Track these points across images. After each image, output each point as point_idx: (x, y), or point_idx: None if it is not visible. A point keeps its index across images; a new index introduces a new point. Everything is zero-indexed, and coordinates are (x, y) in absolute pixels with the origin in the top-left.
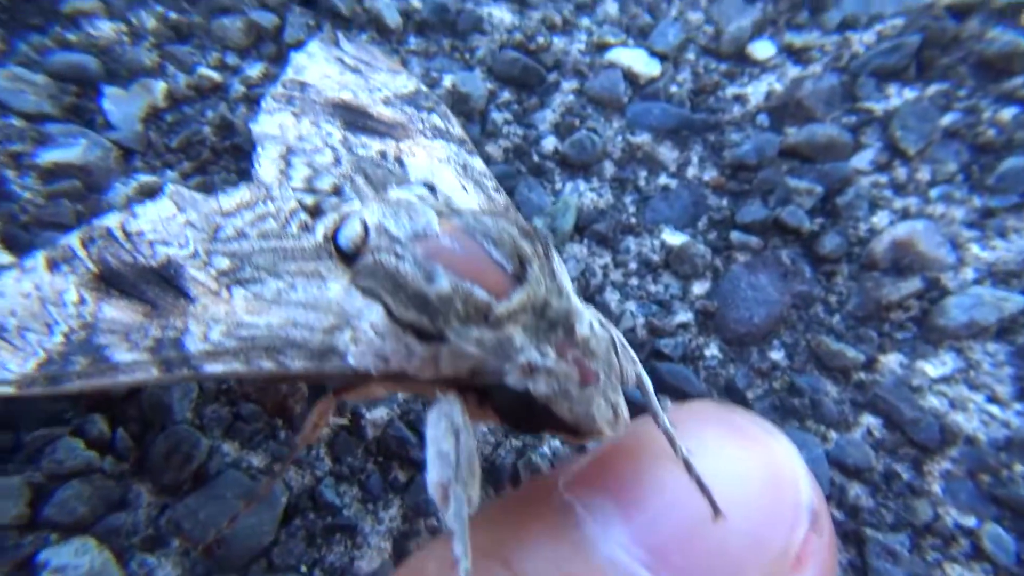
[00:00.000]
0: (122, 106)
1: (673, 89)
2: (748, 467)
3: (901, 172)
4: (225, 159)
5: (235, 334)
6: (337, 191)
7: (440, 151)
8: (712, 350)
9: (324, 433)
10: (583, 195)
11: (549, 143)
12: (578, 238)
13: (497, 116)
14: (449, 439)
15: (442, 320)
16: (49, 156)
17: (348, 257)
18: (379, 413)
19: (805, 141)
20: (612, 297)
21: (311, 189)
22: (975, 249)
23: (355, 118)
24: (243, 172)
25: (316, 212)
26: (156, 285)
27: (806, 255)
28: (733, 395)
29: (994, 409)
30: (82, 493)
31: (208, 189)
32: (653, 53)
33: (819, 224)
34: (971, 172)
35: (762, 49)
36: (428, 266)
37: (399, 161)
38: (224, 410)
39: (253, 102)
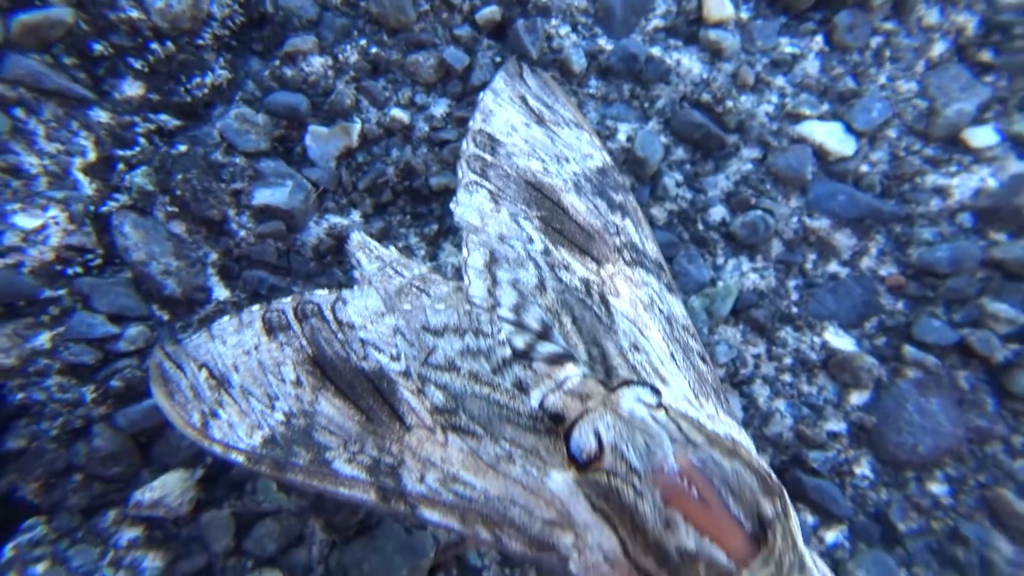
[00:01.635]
0: (322, 145)
1: (864, 169)
2: None
3: None
4: (402, 200)
5: (452, 488)
6: (545, 333)
7: (642, 289)
8: (864, 469)
9: None
10: (745, 275)
11: (717, 212)
12: (732, 321)
13: (668, 180)
14: None
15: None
16: (261, 198)
17: (579, 464)
18: None
19: (1017, 258)
20: (761, 392)
21: (519, 324)
22: None
23: (551, 215)
24: (417, 215)
25: (527, 360)
26: (370, 395)
27: (991, 383)
28: (883, 524)
29: None
30: (273, 532)
31: (387, 232)
32: (850, 129)
33: (1015, 353)
34: None
35: (982, 136)
36: (668, 515)
37: (604, 301)
38: None
39: (436, 145)
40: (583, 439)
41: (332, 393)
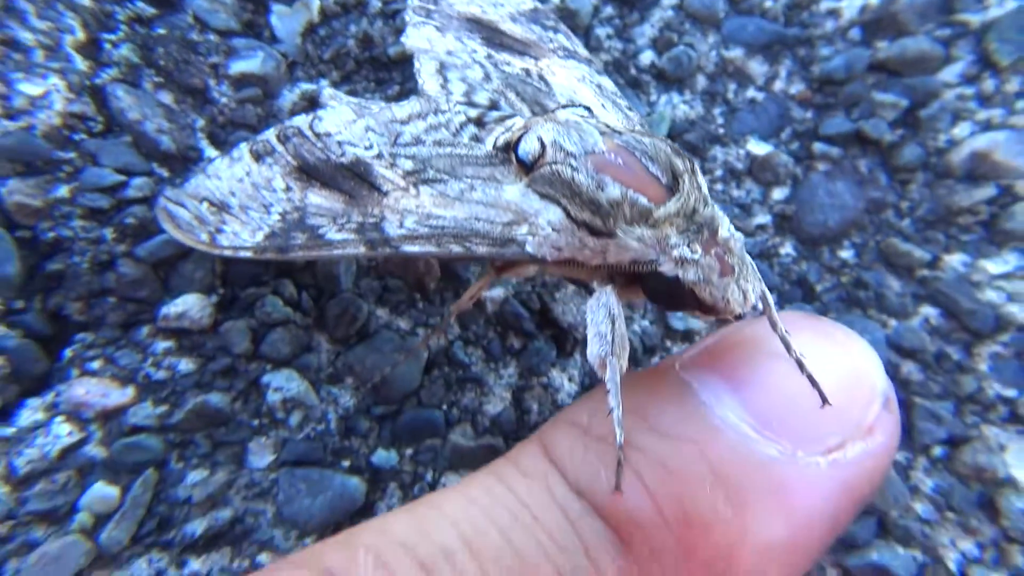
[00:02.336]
0: (286, 22)
1: (768, 4)
2: (838, 361)
3: (989, 84)
4: (366, 69)
5: (427, 223)
6: (494, 105)
7: (575, 71)
8: (787, 249)
9: (451, 302)
10: (676, 107)
11: (646, 57)
12: None
13: (600, 31)
14: (607, 323)
15: (612, 221)
16: (237, 67)
17: (526, 167)
18: (497, 292)
19: (896, 56)
20: None
21: (471, 103)
22: None
23: (491, 35)
24: (381, 81)
25: (480, 123)
26: (350, 179)
27: (883, 165)
28: (804, 287)
29: None
30: (284, 337)
31: (353, 96)
32: None
33: (900, 135)
34: None
35: None
36: (599, 178)
37: (543, 79)
38: (375, 283)
39: (389, 17)
40: (528, 144)
41: (318, 187)
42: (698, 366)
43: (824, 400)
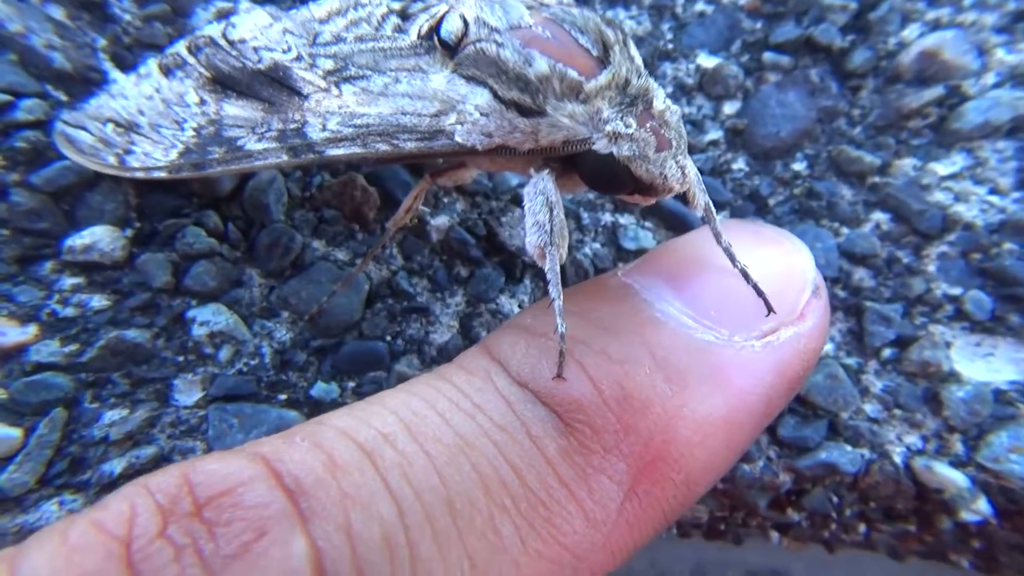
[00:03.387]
0: None
1: None
2: (772, 257)
3: None
4: None
5: (351, 123)
6: None
7: None
8: (739, 164)
9: (398, 235)
10: (623, 23)
11: None
12: None
13: None
14: (544, 211)
15: (541, 97)
16: None
17: (450, 49)
18: (442, 220)
19: None
20: None
21: None
22: (1000, 54)
23: None
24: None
25: (405, 16)
26: (268, 86)
27: (834, 72)
28: (756, 202)
29: (994, 199)
30: (210, 270)
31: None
32: None
33: (850, 41)
34: None
35: None
36: (526, 52)
37: None
38: (310, 215)
39: None
40: (450, 23)
41: (235, 98)
42: (640, 271)
43: (768, 307)
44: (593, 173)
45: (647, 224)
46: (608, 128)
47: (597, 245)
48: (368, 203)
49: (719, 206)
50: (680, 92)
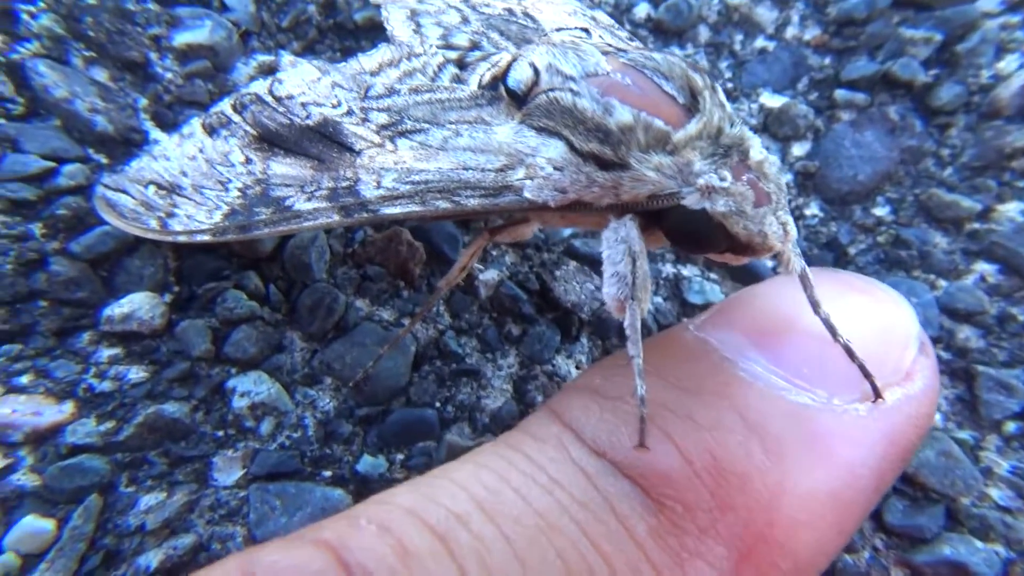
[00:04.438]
0: None
1: None
2: (866, 310)
3: None
4: (330, 38)
5: (408, 180)
6: (476, 46)
7: (564, 6)
8: (813, 209)
9: (445, 293)
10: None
11: (642, 10)
12: None
13: None
14: (627, 261)
15: (624, 149)
16: (182, 38)
17: (518, 99)
18: (490, 275)
19: None
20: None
21: (449, 46)
22: None
23: None
24: (347, 50)
25: (463, 65)
26: (318, 143)
27: (917, 109)
28: (835, 250)
29: None
30: (251, 335)
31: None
32: None
33: (934, 75)
34: None
35: None
36: (605, 101)
37: (528, 16)
38: (353, 272)
39: None
40: (519, 72)
41: (282, 156)
42: (714, 325)
43: (867, 376)
44: (681, 230)
45: (712, 276)
46: (701, 182)
47: (659, 299)
48: (414, 259)
49: None
50: None
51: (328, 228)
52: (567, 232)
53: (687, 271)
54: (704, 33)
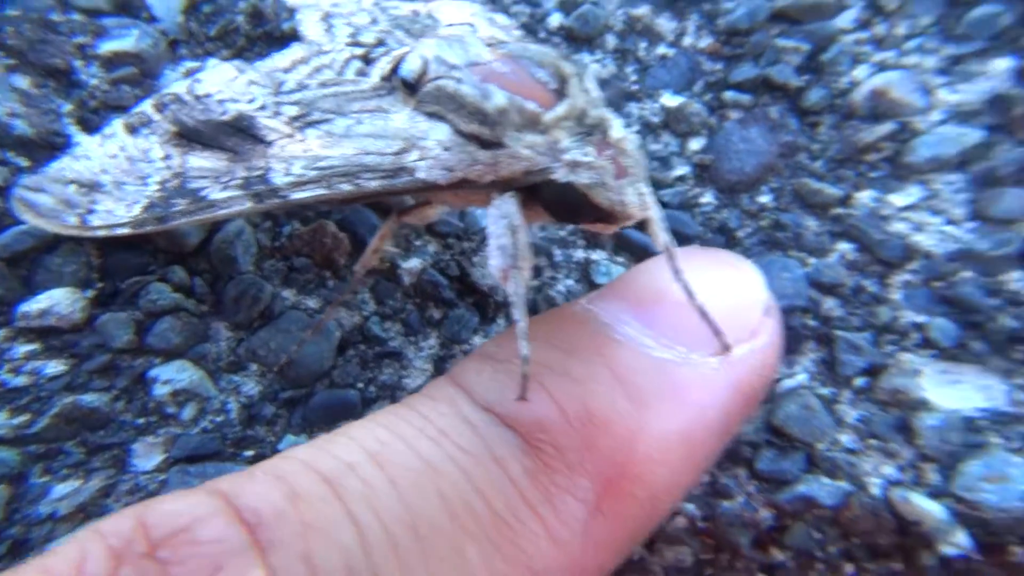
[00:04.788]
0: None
1: None
2: (724, 279)
3: (880, 28)
4: (259, 46)
5: (315, 166)
6: (381, 43)
7: (467, 8)
8: (708, 198)
9: (369, 280)
10: (588, 65)
11: (555, 20)
12: None
13: None
14: (507, 234)
15: (500, 129)
16: (108, 46)
17: (411, 88)
18: (414, 263)
19: (794, 4)
20: None
21: (357, 43)
22: (943, 93)
23: None
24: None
25: (367, 60)
26: (233, 136)
27: (792, 109)
28: (726, 234)
29: (949, 228)
30: (175, 326)
31: None
32: None
33: (805, 80)
34: (944, 23)
35: None
36: (484, 87)
37: (432, 17)
38: (280, 264)
39: None
40: (410, 63)
41: (199, 150)
42: (601, 298)
43: (718, 334)
44: (555, 202)
45: (619, 259)
46: (567, 157)
47: (571, 282)
48: (339, 249)
49: (689, 239)
50: (647, 130)
51: (241, 215)
52: (485, 221)
53: (596, 255)
54: (611, 41)
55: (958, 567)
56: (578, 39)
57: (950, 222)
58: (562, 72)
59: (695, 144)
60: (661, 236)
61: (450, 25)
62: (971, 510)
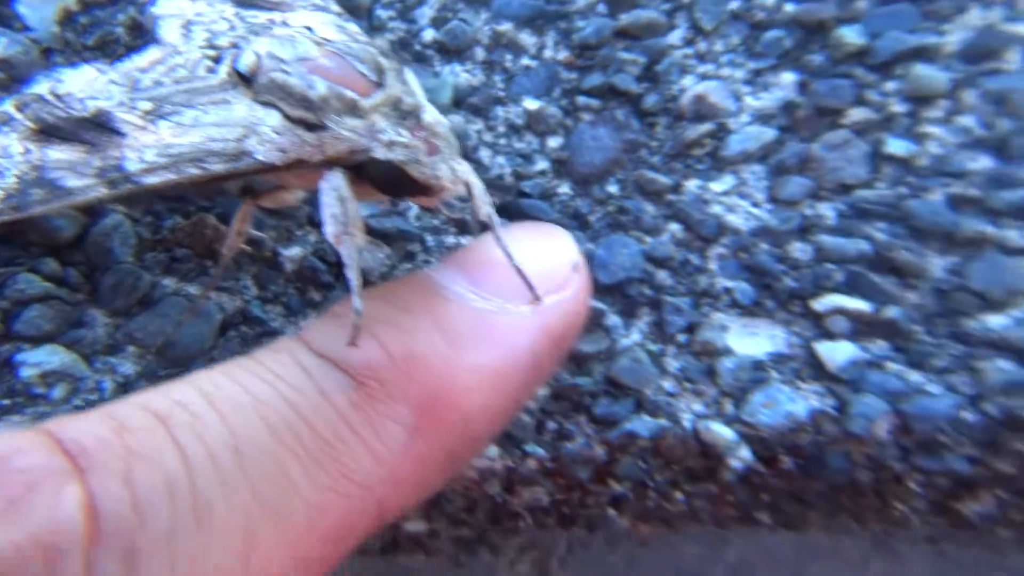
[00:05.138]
0: (37, 10)
1: None
2: (540, 244)
3: (702, 45)
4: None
5: (165, 153)
6: (235, 46)
7: (321, 17)
8: (564, 189)
9: (248, 266)
10: (459, 76)
11: (428, 35)
12: (457, 110)
13: (382, 13)
14: (337, 203)
15: (322, 114)
16: None
17: (246, 80)
18: (295, 251)
19: (633, 23)
20: (485, 154)
21: (212, 46)
22: (749, 99)
23: (244, 1)
24: None
25: (217, 59)
26: (91, 130)
27: (634, 112)
28: (579, 219)
29: (754, 210)
30: (45, 314)
31: None
32: None
33: (644, 87)
34: (748, 43)
35: None
36: (309, 78)
37: (286, 25)
38: (162, 256)
39: None
40: (246, 58)
41: (58, 144)
42: (444, 264)
43: (531, 288)
44: (379, 178)
45: None
46: (384, 137)
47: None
48: (220, 240)
49: (548, 222)
50: (512, 131)
51: (97, 201)
52: (365, 211)
53: (466, 241)
54: (480, 53)
55: (750, 479)
56: (449, 51)
57: (754, 204)
58: (381, 66)
59: (553, 142)
60: (482, 209)
61: (285, 24)
62: (751, 430)
